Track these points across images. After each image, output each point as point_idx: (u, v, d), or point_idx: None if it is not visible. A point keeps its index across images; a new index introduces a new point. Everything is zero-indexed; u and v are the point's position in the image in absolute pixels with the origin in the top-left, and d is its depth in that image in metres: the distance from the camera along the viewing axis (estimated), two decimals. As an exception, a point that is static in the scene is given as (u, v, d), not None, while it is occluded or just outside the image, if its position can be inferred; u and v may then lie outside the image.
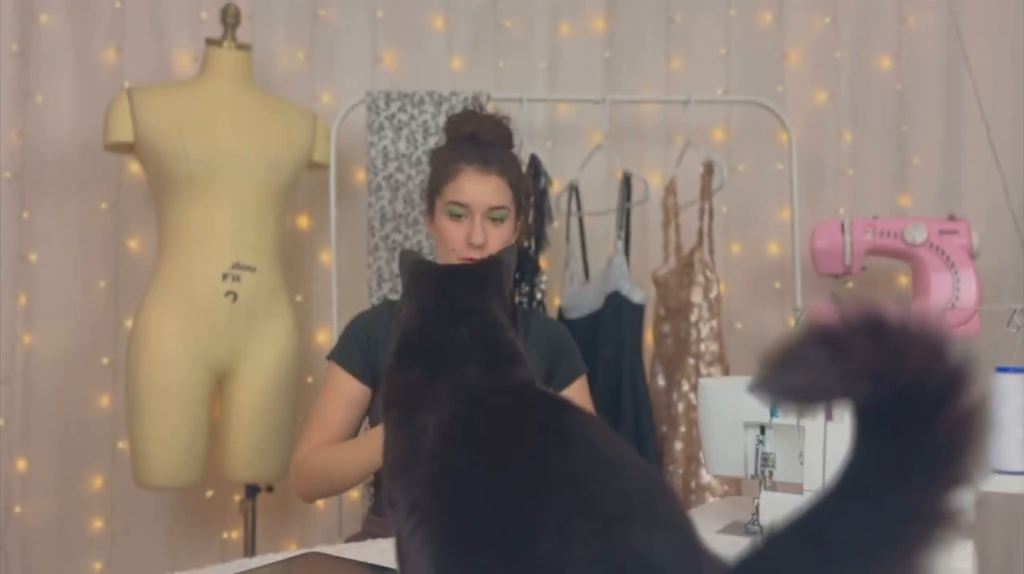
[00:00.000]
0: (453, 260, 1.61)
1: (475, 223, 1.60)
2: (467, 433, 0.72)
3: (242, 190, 2.02)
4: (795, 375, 0.55)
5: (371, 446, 1.51)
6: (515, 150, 1.73)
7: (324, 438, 1.62)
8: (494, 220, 1.62)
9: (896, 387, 0.53)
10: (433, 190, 1.67)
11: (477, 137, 1.65)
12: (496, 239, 1.62)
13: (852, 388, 0.55)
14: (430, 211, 1.68)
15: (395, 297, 1.97)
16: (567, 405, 0.74)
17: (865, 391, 0.54)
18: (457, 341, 0.82)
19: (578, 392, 1.64)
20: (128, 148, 2.06)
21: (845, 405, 0.56)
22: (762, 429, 0.98)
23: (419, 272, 0.95)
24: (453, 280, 0.93)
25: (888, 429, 0.55)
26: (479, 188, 1.61)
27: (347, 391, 1.62)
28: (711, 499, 1.97)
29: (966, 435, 0.53)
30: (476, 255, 1.60)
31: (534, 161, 2.11)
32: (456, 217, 1.62)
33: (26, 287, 2.35)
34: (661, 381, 2.16)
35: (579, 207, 2.24)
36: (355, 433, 1.64)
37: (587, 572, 0.58)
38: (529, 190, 1.81)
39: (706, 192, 2.12)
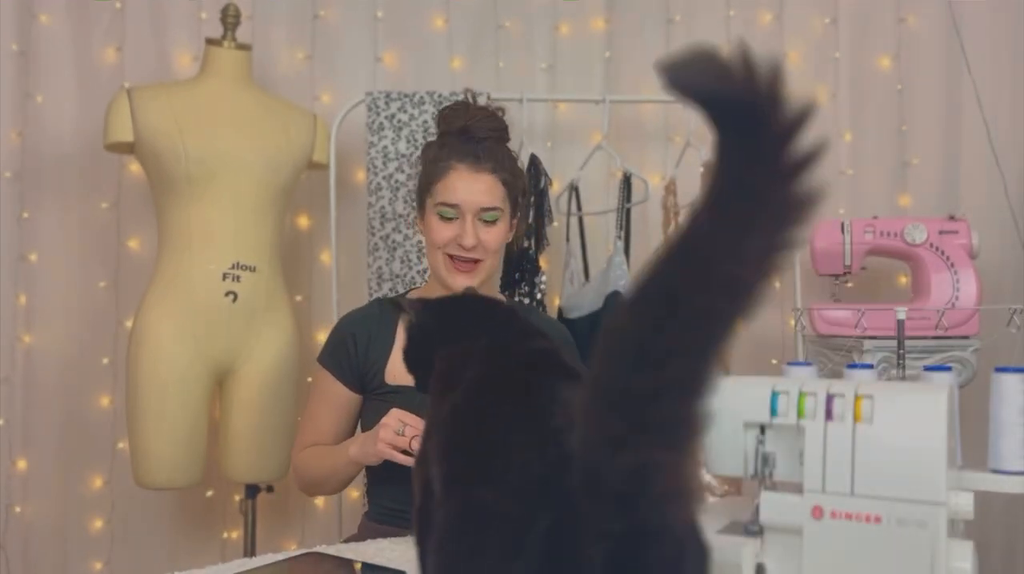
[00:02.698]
0: (439, 259, 1.59)
1: (466, 224, 1.56)
2: (481, 381, 0.84)
3: (242, 190, 2.02)
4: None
5: (338, 456, 1.54)
6: (510, 143, 1.69)
7: (314, 441, 1.62)
8: (486, 222, 1.58)
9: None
10: (423, 188, 1.63)
11: (470, 131, 1.60)
12: (489, 239, 1.58)
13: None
14: (420, 209, 1.65)
15: (401, 288, 1.98)
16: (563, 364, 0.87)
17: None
18: (494, 325, 0.98)
19: None
20: (128, 148, 2.06)
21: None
22: (762, 429, 0.98)
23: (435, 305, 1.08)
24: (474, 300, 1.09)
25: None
26: (470, 187, 1.56)
27: (333, 396, 1.62)
28: (711, 499, 1.97)
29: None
30: (468, 256, 1.58)
31: (534, 161, 2.11)
32: (447, 219, 1.58)
33: (26, 287, 2.35)
34: (661, 381, 2.15)
35: (579, 207, 2.24)
36: (348, 436, 1.64)
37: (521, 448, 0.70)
38: (526, 188, 1.76)
39: (706, 192, 2.12)
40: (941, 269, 2.02)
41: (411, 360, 1.06)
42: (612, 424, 0.58)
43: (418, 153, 2.10)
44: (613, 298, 2.06)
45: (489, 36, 2.46)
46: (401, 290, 2.07)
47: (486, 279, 1.63)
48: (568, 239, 2.24)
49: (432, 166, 1.62)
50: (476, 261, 1.59)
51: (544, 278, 2.13)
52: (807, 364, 1.13)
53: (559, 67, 2.47)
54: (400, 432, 1.39)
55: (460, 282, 1.57)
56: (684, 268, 0.57)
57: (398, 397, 1.53)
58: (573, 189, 2.23)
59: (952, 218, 2.09)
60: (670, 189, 2.16)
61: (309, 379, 2.35)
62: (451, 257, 1.59)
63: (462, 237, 1.56)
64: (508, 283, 2.12)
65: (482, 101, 2.14)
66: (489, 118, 1.64)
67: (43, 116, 2.36)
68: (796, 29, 2.48)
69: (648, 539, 0.60)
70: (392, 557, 1.28)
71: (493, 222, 1.59)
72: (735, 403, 0.99)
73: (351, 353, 1.62)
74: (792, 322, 2.27)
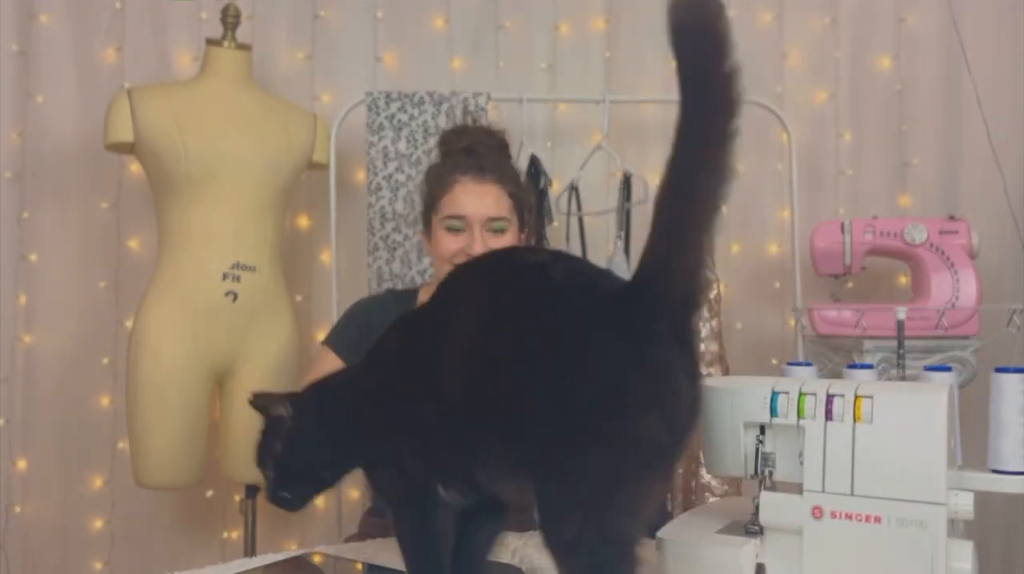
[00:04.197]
0: (447, 271, 1.58)
1: (474, 235, 1.54)
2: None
3: (242, 190, 2.02)
4: None
5: None
6: (513, 160, 1.69)
7: None
8: (494, 231, 1.56)
9: None
10: (429, 206, 1.61)
11: (472, 148, 1.60)
12: (499, 247, 1.54)
13: None
14: (426, 228, 1.65)
15: (400, 288, 1.98)
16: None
17: None
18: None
19: None
20: (128, 148, 2.06)
21: None
22: (762, 429, 0.98)
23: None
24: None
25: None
26: (476, 200, 1.55)
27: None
28: (711, 499, 1.97)
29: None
30: None
31: (534, 161, 2.11)
32: (455, 231, 1.56)
33: (26, 287, 2.35)
34: (661, 381, 2.15)
35: (579, 207, 2.24)
36: None
37: None
38: (533, 205, 1.74)
39: (706, 192, 2.12)
40: (941, 269, 2.02)
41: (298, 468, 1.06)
42: (688, 234, 0.83)
43: (418, 153, 2.11)
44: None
45: (489, 36, 2.46)
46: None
47: None
48: (568, 239, 2.24)
49: (436, 183, 1.61)
50: None
51: (544, 278, 2.12)
52: (807, 364, 1.13)
53: (559, 67, 2.47)
54: None
55: None
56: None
57: None
58: (573, 189, 2.23)
59: (952, 218, 2.09)
60: (670, 189, 2.16)
61: (309, 379, 2.35)
62: None
63: (471, 247, 1.54)
64: (508, 283, 2.11)
65: (482, 101, 2.15)
66: (489, 135, 1.65)
67: (43, 116, 2.36)
68: (796, 29, 2.48)
69: (693, 310, 0.86)
70: (392, 557, 1.28)
71: (501, 232, 1.57)
72: (735, 403, 0.99)
73: (364, 333, 1.59)
74: (792, 322, 2.27)
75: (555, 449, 0.84)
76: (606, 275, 0.94)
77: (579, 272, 0.93)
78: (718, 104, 0.87)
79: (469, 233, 1.56)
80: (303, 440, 1.05)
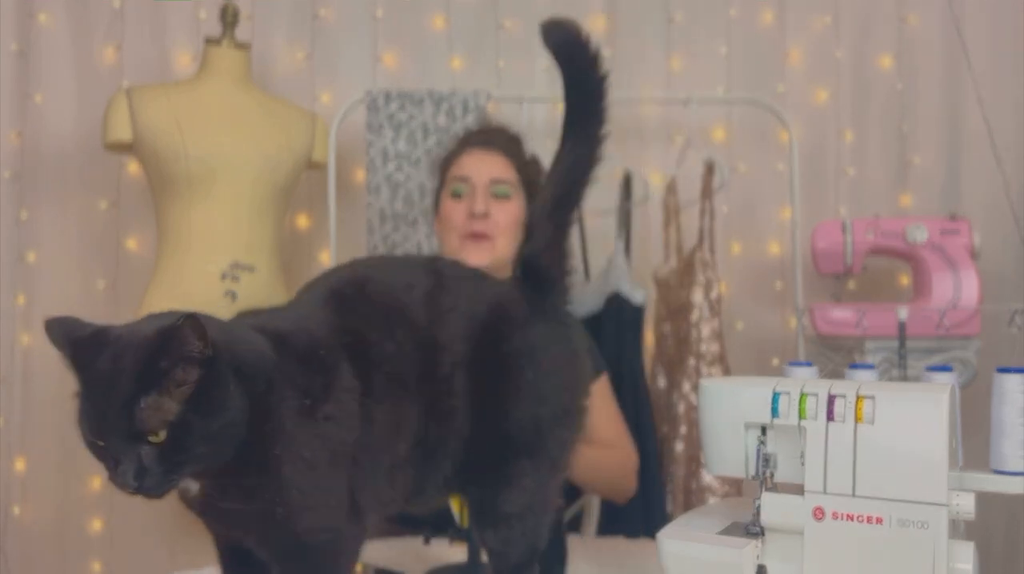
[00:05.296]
0: (455, 241, 1.55)
1: (476, 195, 1.52)
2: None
3: (241, 189, 2.02)
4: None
5: None
6: (529, 156, 1.70)
7: None
8: (498, 196, 1.55)
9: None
10: (439, 183, 1.63)
11: (485, 133, 1.65)
12: (502, 214, 1.54)
13: None
14: (436, 210, 1.65)
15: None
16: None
17: None
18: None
19: (599, 392, 1.57)
20: (127, 147, 2.06)
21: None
22: (763, 430, 0.97)
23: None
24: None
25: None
26: (479, 163, 1.55)
27: None
28: (712, 500, 1.97)
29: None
30: (480, 228, 1.52)
31: (534, 161, 2.11)
32: (458, 196, 1.55)
33: (25, 287, 2.35)
34: (662, 382, 2.15)
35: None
36: None
37: None
38: (539, 182, 1.76)
39: (707, 192, 2.12)
40: (943, 269, 2.01)
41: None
42: (565, 234, 1.11)
43: (417, 152, 2.11)
44: (614, 299, 2.05)
45: (489, 36, 2.45)
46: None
47: (500, 264, 1.54)
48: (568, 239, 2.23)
49: (446, 159, 1.63)
50: (490, 236, 1.54)
51: (544, 278, 2.12)
52: (808, 364, 1.12)
53: (559, 67, 2.46)
54: None
55: (472, 257, 1.51)
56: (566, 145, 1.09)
57: None
58: (573, 189, 2.22)
59: (953, 218, 2.09)
60: (671, 188, 2.16)
61: (309, 379, 2.35)
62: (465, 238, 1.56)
63: (473, 205, 1.51)
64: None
65: (482, 100, 2.15)
66: (505, 130, 1.68)
67: (43, 116, 2.35)
68: (796, 29, 2.47)
69: (565, 268, 1.11)
70: (391, 556, 1.28)
71: (506, 197, 1.55)
72: (736, 404, 0.98)
73: None
74: (793, 322, 2.27)
75: (524, 438, 0.98)
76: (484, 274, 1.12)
77: (489, 279, 1.09)
78: (595, 100, 1.03)
79: (472, 195, 1.53)
80: (226, 402, 0.76)
